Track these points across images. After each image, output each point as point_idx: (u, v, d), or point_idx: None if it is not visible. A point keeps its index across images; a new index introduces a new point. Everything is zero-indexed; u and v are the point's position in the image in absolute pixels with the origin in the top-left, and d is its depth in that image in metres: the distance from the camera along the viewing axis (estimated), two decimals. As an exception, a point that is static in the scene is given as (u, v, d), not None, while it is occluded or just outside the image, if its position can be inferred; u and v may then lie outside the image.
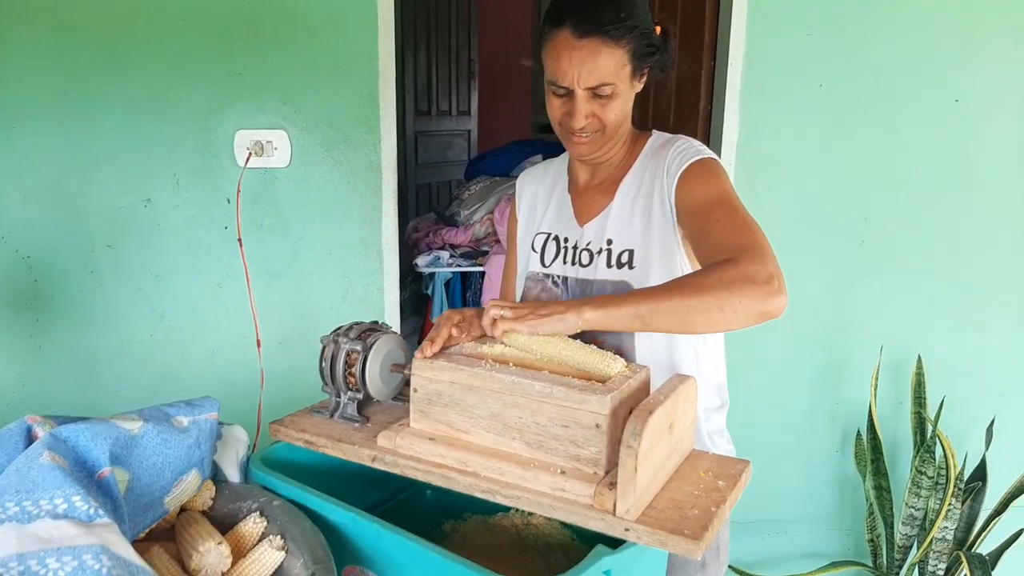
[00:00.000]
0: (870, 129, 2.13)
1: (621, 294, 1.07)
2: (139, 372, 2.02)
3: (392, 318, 2.06)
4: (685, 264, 1.25)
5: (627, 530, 0.95)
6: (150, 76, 1.90)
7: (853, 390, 2.30)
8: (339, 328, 1.27)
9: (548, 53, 1.20)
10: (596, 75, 1.16)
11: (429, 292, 3.53)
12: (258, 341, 1.85)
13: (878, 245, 2.20)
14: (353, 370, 1.22)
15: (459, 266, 3.42)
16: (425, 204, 5.53)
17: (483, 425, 1.08)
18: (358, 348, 1.21)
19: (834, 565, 2.21)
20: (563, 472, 1.01)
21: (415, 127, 5.47)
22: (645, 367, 1.12)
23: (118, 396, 2.01)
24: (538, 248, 1.37)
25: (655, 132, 1.33)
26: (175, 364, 2.04)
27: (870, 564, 2.24)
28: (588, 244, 1.30)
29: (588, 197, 1.34)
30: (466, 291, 3.63)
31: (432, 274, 3.46)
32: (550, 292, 1.34)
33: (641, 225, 1.27)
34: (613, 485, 0.97)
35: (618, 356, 1.09)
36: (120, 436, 0.85)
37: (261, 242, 1.99)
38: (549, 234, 1.36)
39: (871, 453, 2.17)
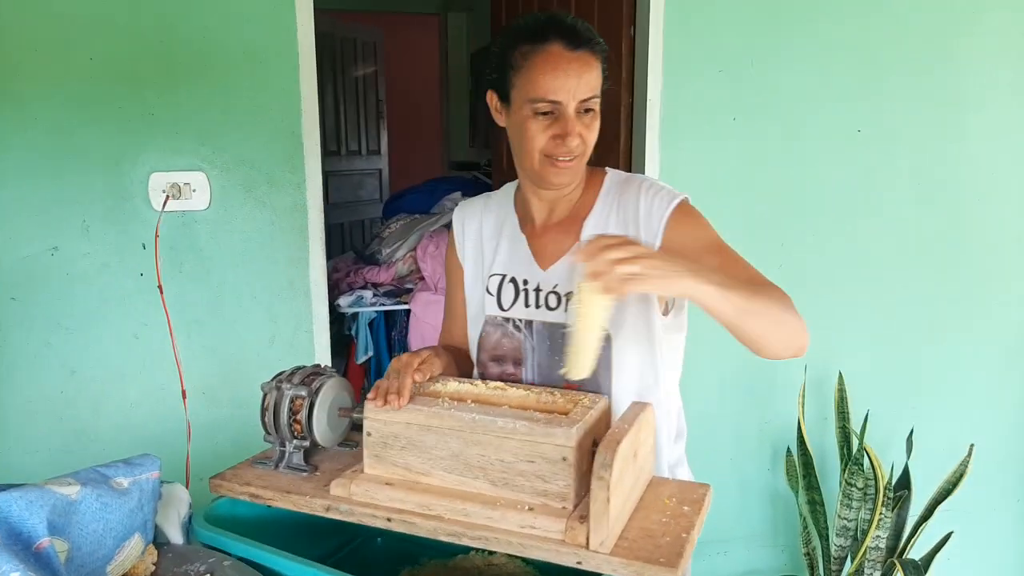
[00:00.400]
0: (781, 158, 2.24)
1: (725, 278, 0.99)
2: (50, 431, 1.87)
3: (323, 360, 1.99)
4: (657, 310, 1.22)
5: (602, 564, 0.93)
6: (54, 118, 1.79)
7: (779, 409, 2.37)
8: (280, 374, 1.21)
9: (534, 70, 1.13)
10: (589, 87, 1.14)
11: (352, 333, 3.45)
12: (183, 391, 1.75)
13: (794, 269, 2.30)
14: (299, 417, 1.17)
15: (383, 305, 3.36)
16: (338, 244, 5.43)
17: (444, 466, 1.05)
18: (303, 394, 1.16)
19: (774, 583, 2.26)
20: (531, 509, 0.99)
21: (325, 167, 5.38)
22: (603, 397, 1.12)
23: (27, 459, 1.85)
24: (494, 291, 1.30)
25: (609, 169, 1.30)
26: (89, 421, 1.90)
27: (807, 578, 2.30)
28: (555, 287, 1.25)
29: (549, 238, 1.27)
30: (391, 330, 3.56)
31: (355, 314, 3.38)
32: (512, 337, 1.28)
33: None
34: (583, 518, 0.96)
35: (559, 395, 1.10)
36: (57, 503, 0.77)
37: (180, 288, 1.89)
38: (504, 276, 1.29)
39: (802, 468, 2.23)
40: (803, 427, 2.21)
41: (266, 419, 1.18)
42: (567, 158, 1.16)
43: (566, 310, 1.21)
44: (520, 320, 1.27)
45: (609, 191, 1.26)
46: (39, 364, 1.86)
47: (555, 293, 1.25)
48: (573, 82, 1.13)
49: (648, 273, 0.92)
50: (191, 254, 1.89)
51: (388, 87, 6.00)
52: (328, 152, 5.35)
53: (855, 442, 2.24)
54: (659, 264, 0.94)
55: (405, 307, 3.35)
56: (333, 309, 3.45)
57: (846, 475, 2.15)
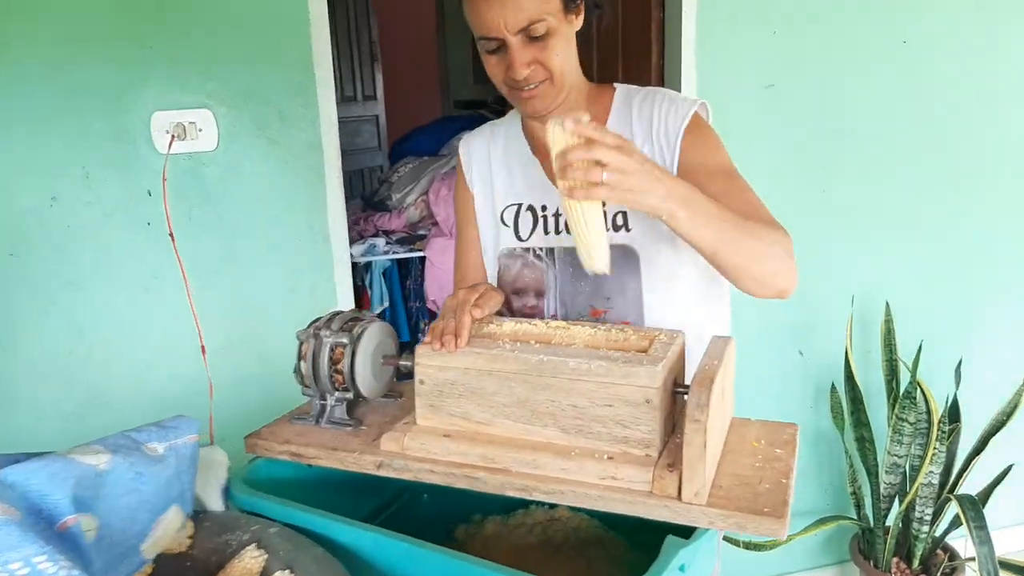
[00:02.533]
0: (823, 74, 2.09)
1: (708, 200, 0.94)
2: (61, 396, 1.77)
3: (346, 308, 1.87)
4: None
5: (698, 516, 0.83)
6: (42, 58, 1.64)
7: (821, 344, 2.27)
8: (318, 320, 1.10)
9: (468, 7, 1.09)
10: (523, 14, 1.05)
11: (366, 284, 3.33)
12: (202, 346, 1.65)
13: (838, 193, 2.17)
14: (340, 367, 1.06)
15: (396, 253, 3.24)
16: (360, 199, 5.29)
17: (508, 414, 0.95)
18: (344, 341, 1.05)
19: (822, 522, 2.19)
20: (610, 458, 0.89)
21: (339, 112, 5.22)
22: (680, 333, 1.01)
23: (39, 426, 1.76)
24: (510, 221, 1.23)
25: (617, 85, 1.23)
26: (101, 383, 1.80)
27: (854, 516, 2.23)
28: None
29: None
30: (406, 279, 3.45)
31: (367, 264, 3.26)
32: (534, 267, 1.21)
33: None
34: (672, 466, 0.86)
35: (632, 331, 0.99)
36: (83, 475, 0.67)
37: (191, 237, 1.77)
38: (521, 204, 1.23)
39: (851, 404, 2.15)
40: (851, 360, 2.11)
41: (304, 370, 1.08)
42: (530, 87, 1.11)
43: None
44: (540, 249, 1.20)
45: (621, 107, 1.19)
46: (44, 324, 1.75)
47: None
48: (500, 15, 1.05)
49: (613, 184, 0.85)
50: (200, 200, 1.77)
51: (380, 27, 5.77)
52: (345, 98, 5.16)
53: (903, 375, 2.14)
54: (630, 176, 0.86)
55: (420, 254, 3.23)
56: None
57: (896, 410, 2.06)
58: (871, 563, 2.21)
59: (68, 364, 1.78)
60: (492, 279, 1.26)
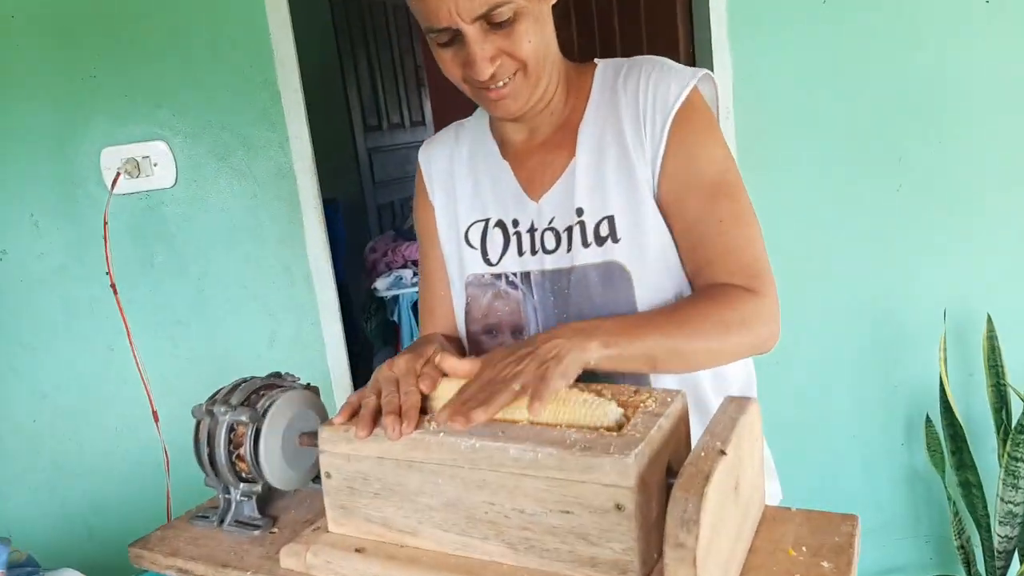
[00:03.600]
0: (888, 47, 1.78)
1: (625, 323, 0.81)
2: (27, 466, 1.62)
3: (337, 358, 1.66)
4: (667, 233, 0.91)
5: None
6: (-18, 96, 1.51)
7: (911, 366, 1.93)
8: (217, 392, 0.88)
9: None
10: None
11: (395, 319, 3.14)
12: (154, 412, 1.45)
13: (918, 190, 1.84)
14: (242, 452, 0.83)
15: (426, 284, 3.03)
16: (390, 226, 5.18)
17: (437, 521, 0.70)
18: (244, 419, 0.82)
19: (923, 585, 1.84)
20: (572, 587, 0.62)
21: (367, 143, 5.14)
22: (678, 392, 0.73)
23: (7, 503, 1.60)
24: (476, 242, 1.00)
25: (599, 61, 0.99)
26: (70, 452, 1.64)
27: (963, 575, 1.86)
28: (551, 222, 0.95)
29: (538, 160, 0.98)
30: (438, 312, 3.24)
31: (396, 298, 3.07)
32: (507, 298, 0.96)
33: (617, 182, 0.91)
34: (658, 602, 0.59)
35: (609, 395, 0.73)
36: None
37: (155, 286, 1.59)
38: (488, 220, 1.00)
39: (949, 442, 1.79)
40: (947, 387, 1.76)
41: (201, 456, 0.85)
42: (498, 85, 0.89)
43: (569, 249, 0.93)
44: (514, 274, 0.97)
45: (603, 87, 0.96)
46: (5, 390, 1.60)
47: (552, 230, 0.95)
48: (449, 1, 0.82)
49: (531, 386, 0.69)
50: (162, 243, 1.59)
51: (425, 51, 5.67)
52: (369, 127, 5.08)
53: (1015, 404, 1.77)
54: (535, 370, 0.71)
55: (451, 284, 3.02)
56: (371, 293, 3.15)
57: (1009, 447, 1.70)
58: (989, 634, 1.84)
59: (33, 433, 1.63)
60: (458, 314, 1.01)
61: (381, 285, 3.00)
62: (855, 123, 1.80)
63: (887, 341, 1.92)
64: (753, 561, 0.68)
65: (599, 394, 0.73)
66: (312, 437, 0.87)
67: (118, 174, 1.50)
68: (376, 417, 0.72)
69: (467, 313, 0.99)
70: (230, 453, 0.84)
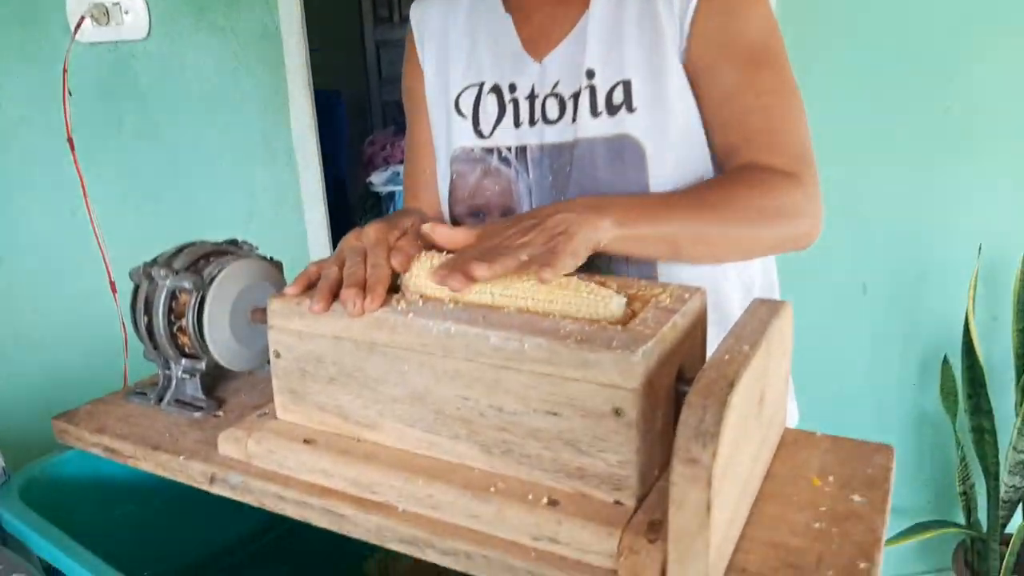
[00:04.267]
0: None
1: (644, 202, 0.69)
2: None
3: (318, 246, 1.55)
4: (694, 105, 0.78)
5: (693, 631, 0.46)
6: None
7: (935, 304, 1.82)
8: (159, 256, 0.77)
9: None
10: None
11: (392, 218, 3.01)
12: (111, 283, 1.35)
13: (968, 112, 1.69)
14: (184, 324, 0.72)
15: (425, 183, 2.90)
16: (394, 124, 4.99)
17: (400, 414, 0.60)
18: (187, 286, 0.71)
19: (922, 528, 1.77)
20: (553, 502, 0.53)
21: (375, 36, 4.89)
22: (698, 289, 0.62)
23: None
24: (467, 110, 0.87)
25: None
26: (27, 322, 1.54)
27: (963, 523, 1.80)
28: (555, 86, 0.81)
29: (545, 13, 0.84)
30: (437, 214, 3.11)
31: (392, 195, 2.93)
32: (499, 175, 0.84)
33: (638, 40, 0.78)
34: (654, 528, 0.49)
35: (615, 287, 0.61)
36: None
37: (124, 151, 1.47)
38: (482, 84, 0.86)
39: (967, 385, 1.70)
40: (972, 328, 1.66)
41: (138, 325, 0.75)
42: None
43: (574, 119, 0.80)
44: (508, 149, 0.84)
45: None
46: (-42, 252, 1.49)
47: (556, 96, 0.82)
48: None
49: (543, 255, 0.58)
50: (132, 103, 1.45)
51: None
52: (379, 19, 4.83)
53: (1044, 350, 1.67)
54: (544, 243, 0.60)
55: (451, 184, 2.88)
56: (367, 188, 3.02)
57: (1030, 396, 1.60)
58: (980, 582, 1.79)
59: (-11, 300, 1.53)
60: (442, 193, 0.89)
61: (377, 180, 2.86)
62: (906, 35, 1.63)
63: (914, 273, 1.80)
64: (771, 488, 0.58)
65: (602, 284, 0.62)
66: (264, 314, 0.76)
67: (82, 18, 1.34)
68: (336, 290, 0.61)
69: (451, 192, 0.87)
70: (171, 324, 0.73)
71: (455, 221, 0.86)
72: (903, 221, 1.78)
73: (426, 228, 0.64)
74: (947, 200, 1.75)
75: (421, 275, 0.64)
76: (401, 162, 3.00)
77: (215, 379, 0.79)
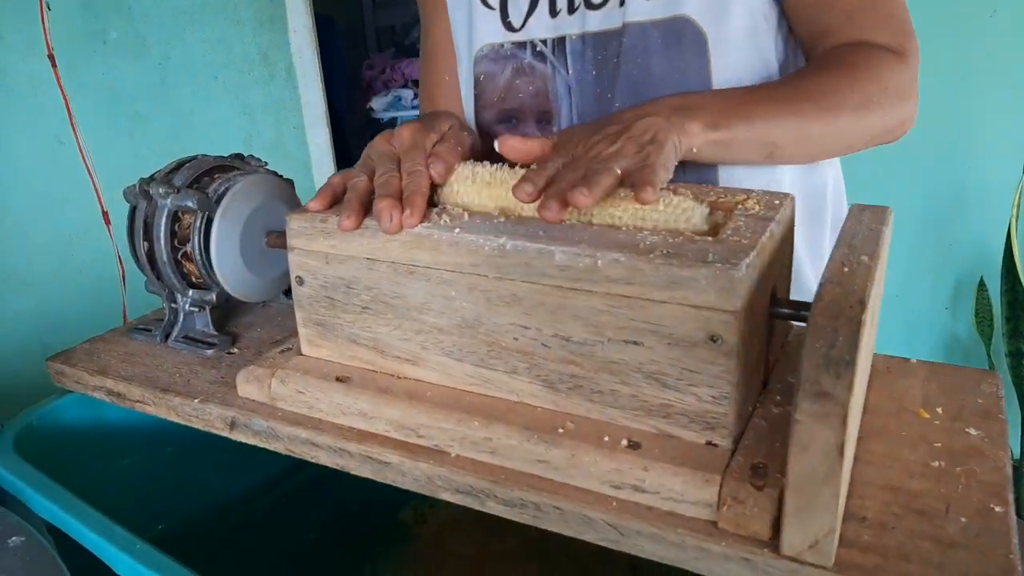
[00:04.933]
0: None
1: (733, 98, 0.59)
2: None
3: (324, 172, 1.45)
4: None
5: (815, 592, 0.40)
6: None
7: (972, 225, 1.73)
8: (156, 172, 0.68)
9: None
10: None
11: (393, 145, 2.89)
12: (104, 213, 1.26)
13: (1016, 16, 1.57)
14: (189, 249, 0.64)
15: (427, 108, 2.77)
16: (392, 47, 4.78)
17: (447, 347, 0.52)
18: (191, 205, 0.63)
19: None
20: (633, 444, 0.46)
21: (368, -43, 4.65)
22: (787, 195, 0.54)
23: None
24: (495, 0, 0.75)
25: None
26: (19, 260, 1.45)
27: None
28: None
29: None
30: (440, 140, 2.98)
31: (394, 121, 2.81)
32: (533, 74, 0.74)
33: None
34: (759, 474, 0.42)
35: (690, 195, 0.53)
36: None
37: (109, 68, 1.35)
38: None
39: (1006, 308, 1.63)
40: (1015, 247, 1.58)
41: (138, 253, 0.67)
42: None
43: (622, 2, 0.68)
44: (543, 42, 0.73)
45: None
46: (-63, 184, 1.39)
47: None
48: None
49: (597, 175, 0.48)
50: (117, 16, 1.33)
51: None
52: (374, -63, 4.58)
53: (1087, 270, 1.60)
54: (635, 154, 0.50)
55: (455, 109, 2.75)
56: (367, 115, 2.89)
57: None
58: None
59: (-25, 237, 1.44)
60: (466, 99, 0.79)
61: (378, 105, 2.74)
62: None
63: (952, 192, 1.71)
64: (873, 423, 0.51)
65: (673, 192, 0.54)
66: (283, 237, 0.68)
67: (53, -84, 1.22)
68: (367, 203, 0.53)
69: (477, 97, 0.77)
70: (174, 250, 0.65)
71: (483, 128, 0.77)
72: (940, 135, 1.68)
73: (500, 143, 0.55)
74: (988, 112, 1.65)
75: (463, 187, 0.55)
76: (403, 86, 2.87)
77: (226, 312, 0.71)
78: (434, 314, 0.52)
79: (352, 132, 3.29)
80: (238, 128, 1.42)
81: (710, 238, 0.46)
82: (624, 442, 0.46)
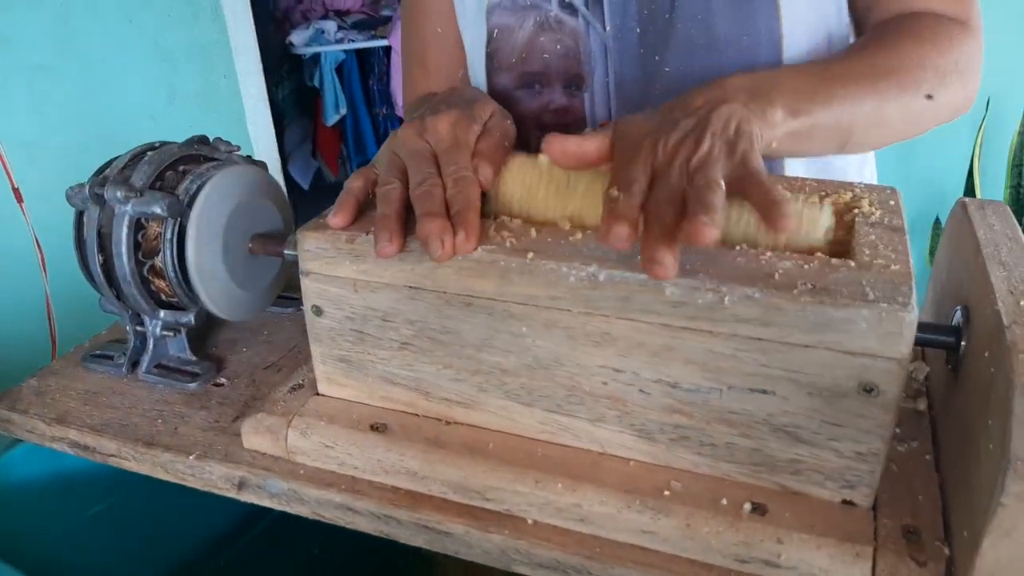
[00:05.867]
0: None
1: (809, 77, 0.49)
2: None
3: (260, 125, 1.30)
4: None
5: None
6: None
7: (932, 160, 1.73)
8: (107, 166, 0.55)
9: None
10: None
11: (316, 83, 2.69)
12: (15, 190, 1.09)
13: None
14: (158, 263, 0.53)
15: (352, 41, 2.56)
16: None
17: (511, 389, 0.44)
18: (158, 211, 0.51)
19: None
20: (756, 508, 0.39)
21: None
22: (892, 189, 0.47)
23: None
24: None
25: None
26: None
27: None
28: None
29: None
30: (367, 78, 2.80)
31: (316, 58, 2.60)
32: (558, 29, 0.63)
33: None
34: (913, 540, 0.36)
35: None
36: None
37: (5, 12, 1.15)
38: None
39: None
40: (977, 182, 1.58)
41: (91, 269, 0.54)
42: None
43: None
44: None
45: None
46: None
47: None
48: None
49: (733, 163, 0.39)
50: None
51: None
52: None
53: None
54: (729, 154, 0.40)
55: (383, 43, 2.56)
56: (285, 50, 2.66)
57: None
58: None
59: None
60: (474, 58, 0.68)
61: (298, 40, 2.52)
62: None
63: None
64: None
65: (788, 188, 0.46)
66: (271, 241, 0.57)
67: None
68: (405, 216, 0.43)
69: (490, 56, 0.66)
70: (139, 265, 0.53)
71: (498, 94, 0.66)
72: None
73: (555, 145, 0.44)
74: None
75: (515, 188, 0.46)
76: (324, 16, 2.65)
77: (199, 329, 0.60)
78: (497, 353, 0.43)
79: (268, 72, 3.05)
80: (158, 77, 1.25)
81: (851, 262, 0.38)
82: (747, 506, 0.39)
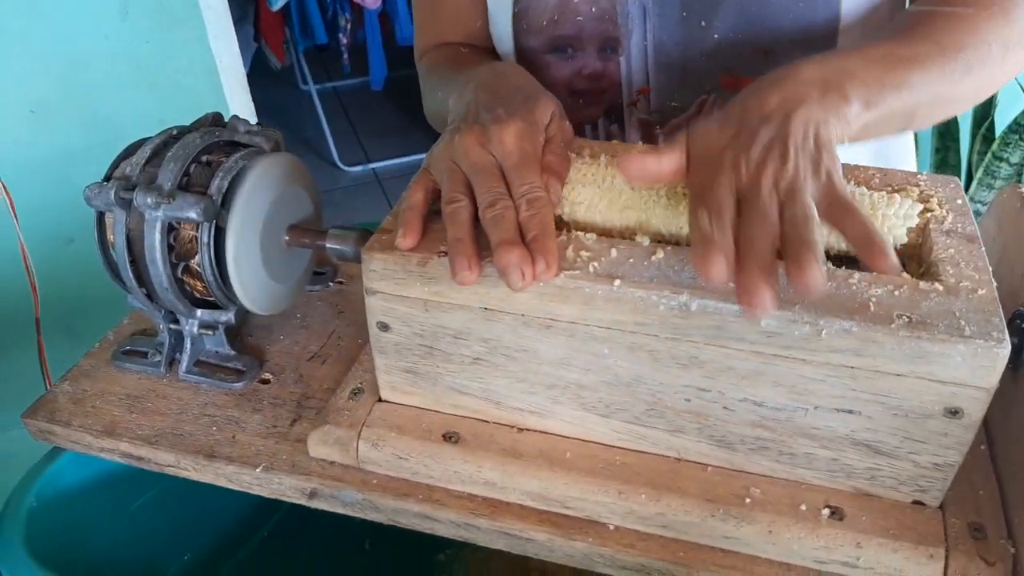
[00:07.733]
0: None
1: (876, 59, 0.47)
2: None
3: (224, 42, 1.21)
4: None
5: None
6: None
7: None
8: (122, 159, 0.52)
9: None
10: None
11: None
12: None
13: None
14: (195, 264, 0.50)
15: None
16: None
17: (587, 402, 0.44)
18: (193, 216, 0.48)
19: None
20: (834, 512, 0.41)
21: None
22: (952, 179, 0.48)
23: None
24: None
25: None
26: None
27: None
28: None
29: None
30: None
31: (288, 11, 2.38)
32: None
33: None
34: (980, 539, 0.40)
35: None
36: None
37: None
38: None
39: (936, 139, 1.67)
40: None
41: (122, 273, 0.52)
42: None
43: None
44: None
45: None
46: None
47: None
48: None
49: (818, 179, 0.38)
50: None
51: None
52: None
53: (1010, 97, 1.64)
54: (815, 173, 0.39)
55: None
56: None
57: (996, 147, 1.60)
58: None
59: None
60: (499, 19, 0.63)
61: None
62: None
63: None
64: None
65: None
66: (308, 233, 0.54)
67: None
68: (479, 239, 0.41)
69: (518, 17, 0.61)
70: (174, 267, 0.51)
71: (526, 59, 0.62)
72: None
73: (619, 158, 0.42)
74: None
75: (582, 196, 0.44)
76: None
77: (233, 328, 0.58)
78: (576, 371, 0.43)
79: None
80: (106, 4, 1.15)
81: (939, 286, 0.39)
82: (825, 512, 0.41)
